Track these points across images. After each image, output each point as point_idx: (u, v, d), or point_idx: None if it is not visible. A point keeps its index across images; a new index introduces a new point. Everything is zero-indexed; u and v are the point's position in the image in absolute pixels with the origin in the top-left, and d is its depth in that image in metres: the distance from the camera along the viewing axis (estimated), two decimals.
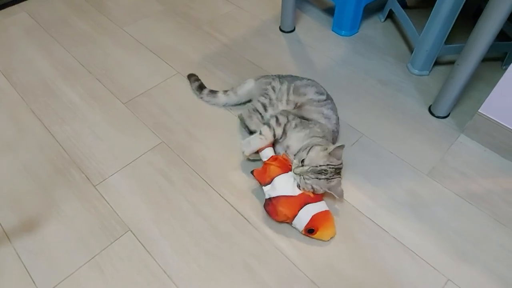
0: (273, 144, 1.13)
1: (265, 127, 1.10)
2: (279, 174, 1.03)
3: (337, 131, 1.20)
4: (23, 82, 1.45)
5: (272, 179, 1.03)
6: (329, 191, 1.01)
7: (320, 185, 0.99)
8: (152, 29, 1.69)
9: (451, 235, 1.03)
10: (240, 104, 1.35)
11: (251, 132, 1.20)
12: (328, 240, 1.01)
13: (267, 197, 1.03)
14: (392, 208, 1.08)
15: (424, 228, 1.04)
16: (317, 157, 0.99)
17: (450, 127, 1.29)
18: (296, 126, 1.11)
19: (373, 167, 1.18)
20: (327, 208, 1.02)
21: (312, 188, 1.00)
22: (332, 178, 1.00)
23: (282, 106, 1.20)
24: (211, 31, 1.68)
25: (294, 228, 1.02)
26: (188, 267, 0.97)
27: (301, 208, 0.98)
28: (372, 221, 1.06)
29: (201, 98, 1.37)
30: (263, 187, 1.04)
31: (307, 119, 1.14)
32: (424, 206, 1.09)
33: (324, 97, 1.22)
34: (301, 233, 1.01)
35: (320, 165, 0.98)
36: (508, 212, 1.07)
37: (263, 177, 1.05)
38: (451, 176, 1.16)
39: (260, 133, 1.09)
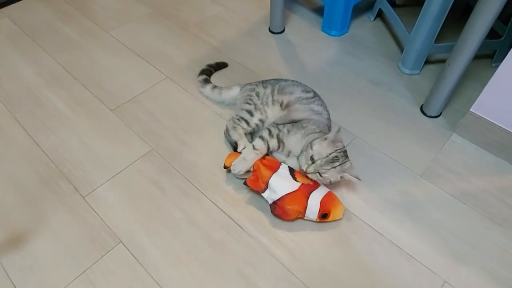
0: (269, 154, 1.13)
1: (258, 140, 1.09)
2: (271, 176, 1.02)
3: (330, 127, 1.19)
4: (6, 90, 1.41)
5: (267, 184, 1.01)
6: (346, 177, 1.01)
7: (337, 174, 1.00)
8: (139, 32, 1.66)
9: (446, 235, 1.03)
10: (224, 104, 1.35)
11: (234, 148, 1.17)
12: (341, 218, 1.03)
13: (270, 202, 1.01)
14: (386, 210, 1.08)
15: (419, 229, 1.04)
16: (322, 148, 1.00)
17: (442, 127, 1.29)
18: (289, 131, 1.10)
19: (366, 169, 1.17)
20: (328, 189, 1.04)
21: (330, 180, 1.01)
22: (345, 162, 1.01)
23: (269, 109, 1.19)
24: (200, 33, 1.66)
25: (308, 219, 1.03)
26: (182, 277, 0.95)
27: (308, 198, 0.99)
28: (367, 223, 1.05)
29: (197, 79, 1.41)
30: (262, 194, 1.03)
31: (298, 121, 1.13)
32: (419, 207, 1.08)
33: (311, 94, 1.21)
34: (315, 221, 1.03)
35: (330, 153, 0.99)
36: (502, 211, 1.07)
37: (258, 185, 1.03)
38: (445, 176, 1.15)
39: (254, 148, 1.08)
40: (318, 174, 1.00)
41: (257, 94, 1.22)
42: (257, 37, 1.64)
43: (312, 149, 1.01)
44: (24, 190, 1.12)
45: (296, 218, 1.03)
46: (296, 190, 1.00)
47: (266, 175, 1.02)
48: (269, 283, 0.94)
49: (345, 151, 1.03)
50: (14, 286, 0.93)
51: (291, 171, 1.04)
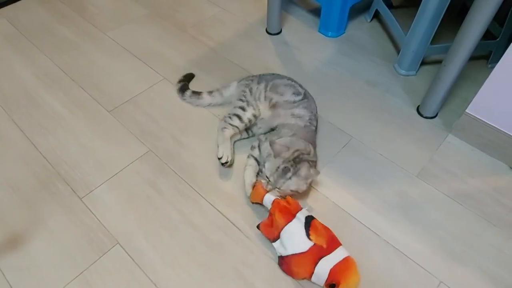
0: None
1: (247, 159, 1.14)
2: (284, 226, 0.94)
3: (313, 125, 1.17)
4: (4, 91, 1.41)
5: (279, 234, 0.94)
6: (308, 183, 1.00)
7: (297, 182, 0.99)
8: (137, 33, 1.66)
9: (442, 236, 1.03)
10: (225, 105, 1.34)
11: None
12: None
13: (278, 255, 0.96)
14: (382, 210, 1.08)
15: (415, 230, 1.04)
16: (271, 163, 1.00)
17: (438, 127, 1.30)
18: (266, 138, 1.13)
19: (363, 169, 1.18)
20: (346, 255, 0.90)
21: (296, 191, 1.00)
22: (299, 169, 0.98)
23: (261, 105, 1.20)
24: (197, 34, 1.66)
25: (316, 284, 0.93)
26: (180, 279, 0.95)
27: (316, 264, 0.89)
28: (363, 224, 1.05)
29: (184, 99, 1.36)
30: (273, 243, 0.97)
31: (273, 129, 1.16)
32: (415, 207, 1.09)
33: (300, 97, 1.21)
34: None
35: (278, 167, 0.99)
36: (497, 211, 1.08)
37: (270, 232, 0.97)
38: (441, 176, 1.16)
39: (246, 165, 1.12)
40: (276, 190, 1.00)
41: (250, 90, 1.23)
42: (254, 38, 1.65)
43: (264, 167, 1.02)
44: (22, 191, 1.12)
45: (303, 279, 0.95)
46: (306, 251, 0.89)
47: (280, 223, 0.94)
48: (265, 284, 0.94)
49: (296, 158, 1.00)
50: (11, 287, 0.93)
51: (307, 224, 0.93)
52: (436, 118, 1.33)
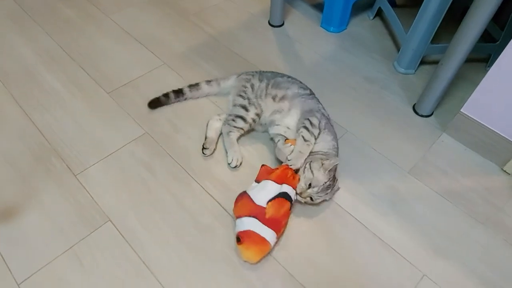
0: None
1: (306, 132, 1.08)
2: (269, 180, 1.00)
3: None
4: (4, 68, 1.42)
5: (263, 180, 1.02)
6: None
7: (328, 197, 1.05)
8: (139, 18, 1.67)
9: (429, 231, 1.05)
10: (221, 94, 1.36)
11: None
12: (243, 260, 0.96)
13: (246, 190, 1.02)
14: (372, 203, 1.10)
15: (403, 224, 1.06)
16: (320, 175, 1.01)
17: (433, 126, 1.31)
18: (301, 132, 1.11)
19: (355, 163, 1.19)
20: (268, 238, 0.94)
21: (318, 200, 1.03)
22: (334, 186, 1.04)
23: (263, 102, 1.20)
24: (199, 22, 1.67)
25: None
26: (169, 260, 0.96)
27: (246, 216, 0.95)
28: (352, 216, 1.07)
29: (185, 99, 1.33)
30: (254, 182, 1.03)
31: (309, 110, 1.15)
32: (404, 202, 1.10)
33: (308, 91, 1.23)
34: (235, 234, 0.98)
35: (325, 182, 1.00)
36: (486, 210, 1.09)
37: (262, 175, 1.04)
38: (432, 174, 1.17)
39: (305, 140, 1.07)
40: (310, 198, 1.02)
41: (252, 87, 1.23)
42: (256, 29, 1.65)
43: (313, 174, 1.00)
44: (17, 166, 1.13)
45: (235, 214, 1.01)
46: (254, 204, 0.97)
47: (271, 178, 1.01)
48: (254, 269, 0.96)
49: (334, 172, 1.04)
50: (2, 257, 0.94)
51: (278, 196, 0.98)
52: (432, 117, 1.34)
